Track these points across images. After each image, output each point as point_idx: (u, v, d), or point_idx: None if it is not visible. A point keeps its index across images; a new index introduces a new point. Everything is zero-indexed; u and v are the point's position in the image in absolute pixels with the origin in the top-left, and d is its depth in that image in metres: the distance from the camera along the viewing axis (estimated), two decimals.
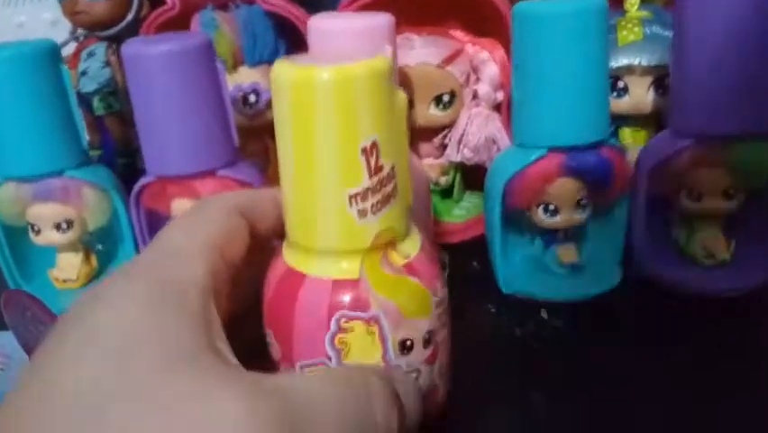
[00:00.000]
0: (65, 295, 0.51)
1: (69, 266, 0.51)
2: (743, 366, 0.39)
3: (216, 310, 0.22)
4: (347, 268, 0.24)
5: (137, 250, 0.50)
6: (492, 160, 0.53)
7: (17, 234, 0.51)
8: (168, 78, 0.42)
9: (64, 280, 0.51)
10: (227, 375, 0.19)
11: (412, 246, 0.26)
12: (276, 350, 0.26)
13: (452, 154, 0.55)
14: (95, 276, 0.52)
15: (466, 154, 0.54)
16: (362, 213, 0.23)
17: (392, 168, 0.23)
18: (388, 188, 0.23)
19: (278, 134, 0.24)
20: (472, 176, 0.58)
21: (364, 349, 0.24)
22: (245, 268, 0.25)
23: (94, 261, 0.52)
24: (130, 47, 0.43)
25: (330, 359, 0.24)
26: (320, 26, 0.43)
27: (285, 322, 0.25)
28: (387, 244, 0.24)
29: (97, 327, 0.19)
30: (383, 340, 0.24)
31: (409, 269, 0.25)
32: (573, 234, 0.48)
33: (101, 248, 0.54)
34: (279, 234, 0.26)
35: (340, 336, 0.24)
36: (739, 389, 0.38)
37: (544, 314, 0.45)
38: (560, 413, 0.37)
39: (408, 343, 0.25)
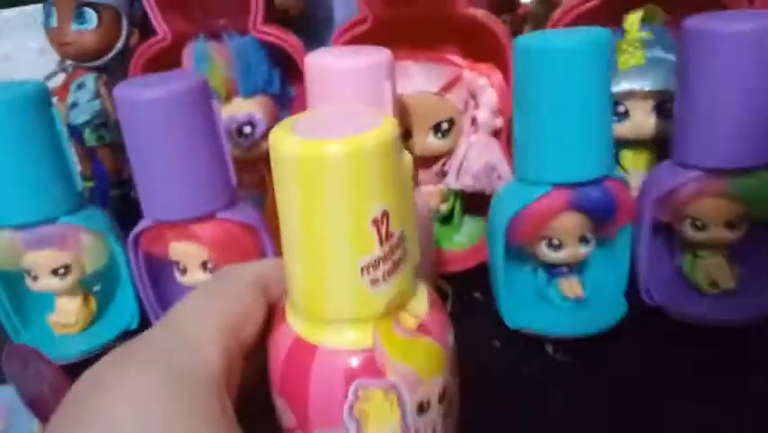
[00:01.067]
0: (64, 340, 0.50)
1: (68, 311, 0.50)
2: (747, 400, 0.39)
3: (230, 396, 0.22)
4: (360, 337, 0.24)
5: (135, 292, 0.49)
6: (493, 186, 0.53)
7: (14, 281, 0.49)
8: (162, 123, 0.41)
9: (63, 325, 0.50)
10: None
11: (421, 303, 0.25)
12: (289, 417, 0.25)
13: (452, 181, 0.55)
14: (93, 319, 0.51)
15: (466, 182, 0.54)
16: (375, 282, 0.23)
17: (402, 232, 0.23)
18: (399, 254, 0.23)
19: (281, 207, 0.23)
20: (472, 201, 0.57)
21: (382, 416, 0.24)
22: (260, 341, 0.25)
23: (92, 303, 0.51)
24: (121, 90, 0.42)
25: (348, 429, 0.24)
26: (318, 66, 0.42)
27: (299, 393, 0.24)
28: (397, 306, 0.24)
29: (113, 425, 0.18)
30: (401, 405, 0.24)
31: (422, 329, 0.25)
32: (577, 267, 0.48)
33: (98, 290, 0.53)
34: None
35: (358, 405, 0.24)
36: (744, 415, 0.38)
37: (549, 349, 0.45)
38: None
39: (426, 403, 0.25)
